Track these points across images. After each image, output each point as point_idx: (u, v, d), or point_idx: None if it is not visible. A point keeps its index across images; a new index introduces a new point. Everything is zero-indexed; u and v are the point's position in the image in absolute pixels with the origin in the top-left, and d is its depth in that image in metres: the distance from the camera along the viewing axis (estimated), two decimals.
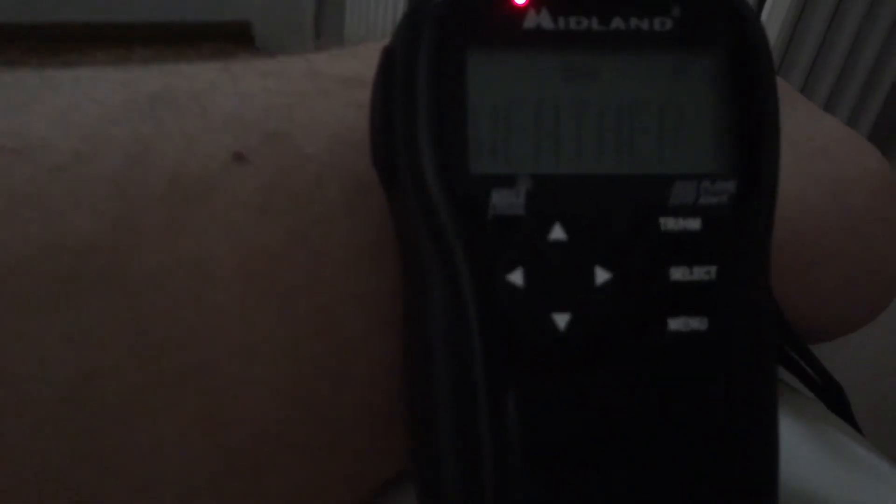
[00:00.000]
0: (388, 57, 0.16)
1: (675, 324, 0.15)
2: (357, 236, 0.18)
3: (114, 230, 0.15)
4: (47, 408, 0.14)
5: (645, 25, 0.16)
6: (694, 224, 0.16)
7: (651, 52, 0.16)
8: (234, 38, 1.68)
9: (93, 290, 0.15)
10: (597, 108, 0.16)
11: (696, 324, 0.15)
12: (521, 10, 0.16)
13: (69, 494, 0.14)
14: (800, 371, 0.26)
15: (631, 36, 0.16)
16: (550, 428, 0.15)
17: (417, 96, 0.15)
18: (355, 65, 0.20)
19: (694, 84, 0.16)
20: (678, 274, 0.15)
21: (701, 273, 0.16)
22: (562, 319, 0.15)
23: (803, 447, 0.22)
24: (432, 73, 0.15)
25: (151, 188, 0.16)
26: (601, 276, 0.15)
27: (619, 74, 0.16)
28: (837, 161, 0.24)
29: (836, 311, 0.25)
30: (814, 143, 0.25)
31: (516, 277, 0.15)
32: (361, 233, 0.18)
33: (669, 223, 0.16)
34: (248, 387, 0.16)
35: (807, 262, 0.23)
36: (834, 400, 0.26)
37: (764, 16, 0.58)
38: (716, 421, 0.15)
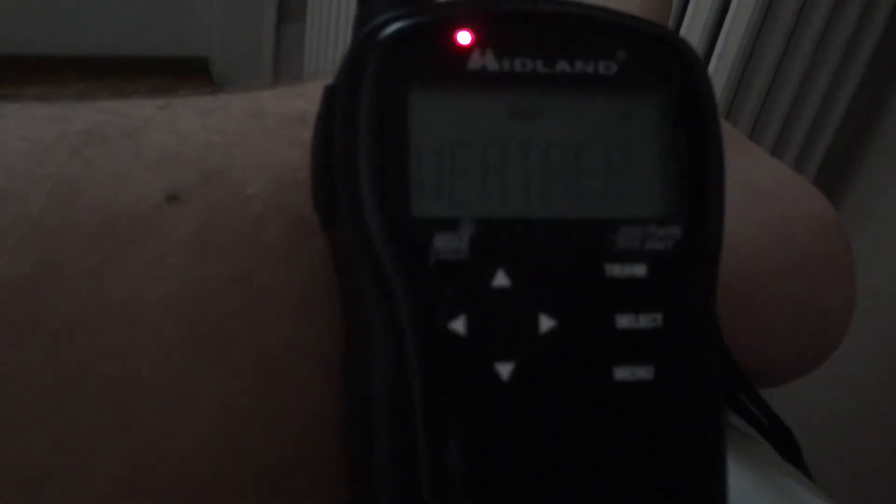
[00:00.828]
0: (329, 95, 0.16)
1: (621, 373, 0.15)
2: (298, 280, 0.17)
3: (35, 274, 0.14)
4: None
5: (590, 69, 0.16)
6: (640, 270, 0.15)
7: (596, 95, 0.16)
8: (190, 73, 1.67)
9: (12, 340, 0.14)
10: (541, 151, 0.16)
11: (643, 373, 0.15)
12: (466, 51, 0.15)
13: None
14: (750, 416, 0.25)
15: (576, 79, 0.16)
16: (492, 475, 0.14)
17: (358, 135, 0.15)
18: (301, 103, 0.20)
19: (639, 128, 0.16)
20: (624, 321, 0.15)
21: (647, 320, 0.15)
22: (505, 369, 0.15)
23: (753, 494, 0.22)
24: (374, 111, 0.15)
25: (78, 229, 0.15)
26: (545, 323, 0.15)
27: (565, 117, 0.16)
28: (781, 203, 0.25)
29: (784, 355, 0.25)
30: (758, 186, 0.25)
31: (458, 325, 0.15)
32: (303, 276, 0.17)
33: (615, 269, 0.15)
34: (176, 439, 0.15)
35: (752, 304, 0.23)
36: (785, 445, 0.26)
37: (713, 59, 0.59)
38: (663, 470, 0.15)
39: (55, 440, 0.14)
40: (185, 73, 1.66)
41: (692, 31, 0.60)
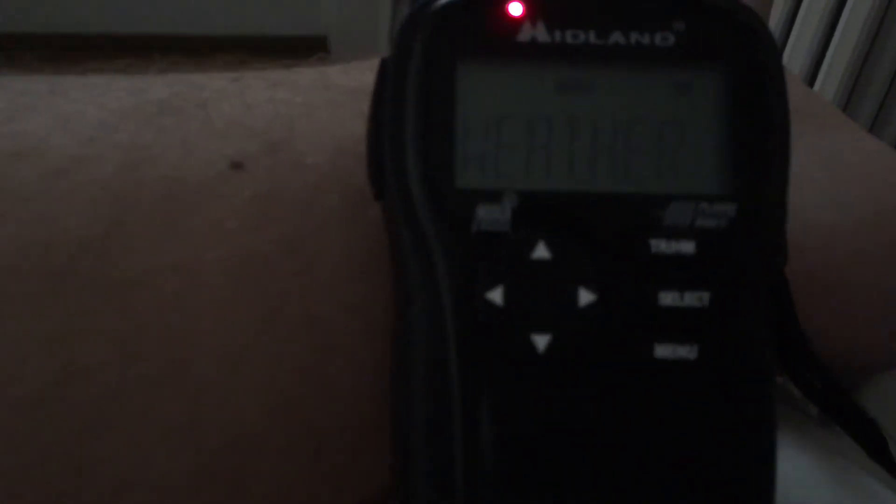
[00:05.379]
0: (383, 68, 0.16)
1: (662, 350, 0.15)
2: (352, 246, 0.17)
3: (104, 233, 0.16)
4: (21, 407, 0.14)
5: (646, 40, 0.15)
6: (688, 247, 0.15)
7: (651, 67, 0.15)
8: (310, 52, 1.72)
9: (79, 291, 0.15)
10: (590, 124, 0.15)
11: (685, 352, 0.15)
12: (517, 23, 0.15)
13: (39, 492, 0.15)
14: (832, 410, 0.24)
15: (630, 51, 0.15)
16: (523, 439, 0.14)
17: (406, 107, 0.15)
18: (368, 77, 0.20)
19: (696, 101, 0.15)
20: (668, 299, 0.15)
21: (692, 299, 0.15)
22: (541, 341, 0.15)
23: (820, 490, 0.21)
24: (421, 84, 0.15)
25: (145, 194, 0.16)
26: (585, 297, 0.15)
27: (616, 90, 0.15)
28: (876, 188, 0.23)
29: (871, 344, 0.23)
30: (853, 168, 0.23)
31: (496, 296, 0.15)
32: (357, 243, 0.17)
33: (661, 245, 0.15)
34: (229, 391, 0.16)
35: (836, 292, 0.22)
36: (869, 439, 0.24)
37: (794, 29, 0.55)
38: (700, 451, 0.15)
39: (116, 383, 0.15)
40: (305, 51, 1.72)
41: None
